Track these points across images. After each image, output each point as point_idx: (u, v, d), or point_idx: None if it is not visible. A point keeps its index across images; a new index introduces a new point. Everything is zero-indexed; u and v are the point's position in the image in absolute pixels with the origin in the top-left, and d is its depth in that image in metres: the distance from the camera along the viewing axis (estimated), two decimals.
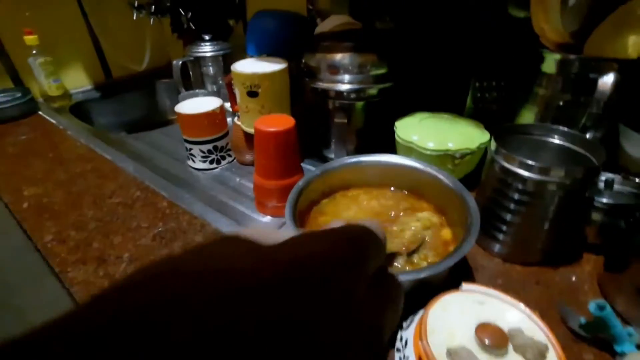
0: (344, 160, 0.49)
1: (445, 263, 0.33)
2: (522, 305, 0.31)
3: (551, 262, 0.45)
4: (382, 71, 0.59)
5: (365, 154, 0.50)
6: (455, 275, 0.42)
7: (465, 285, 0.32)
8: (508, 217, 0.44)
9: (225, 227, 0.53)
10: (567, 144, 0.45)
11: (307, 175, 0.46)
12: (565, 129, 0.45)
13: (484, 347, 0.27)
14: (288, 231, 0.25)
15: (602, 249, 0.44)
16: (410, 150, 0.57)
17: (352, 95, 0.60)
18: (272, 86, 0.57)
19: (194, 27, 0.77)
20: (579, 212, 0.43)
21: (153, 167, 0.69)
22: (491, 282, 0.43)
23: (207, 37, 0.79)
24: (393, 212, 0.46)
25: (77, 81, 1.14)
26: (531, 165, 0.39)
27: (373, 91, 0.61)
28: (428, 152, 0.55)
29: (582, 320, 0.34)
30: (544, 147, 0.45)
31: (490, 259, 0.46)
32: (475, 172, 0.58)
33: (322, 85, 0.60)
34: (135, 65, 1.21)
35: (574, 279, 0.43)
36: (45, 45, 0.99)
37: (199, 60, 0.77)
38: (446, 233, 0.43)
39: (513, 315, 0.30)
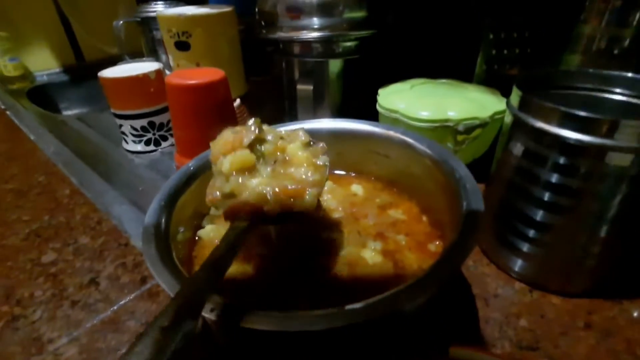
0: None
1: (417, 286, 0.16)
2: None
3: (610, 294, 0.27)
4: (360, 14, 0.43)
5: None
6: (446, 310, 0.26)
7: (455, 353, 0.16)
8: (539, 215, 0.27)
9: (130, 222, 0.38)
10: (634, 99, 0.28)
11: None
12: (630, 74, 0.28)
13: None
14: None
15: None
16: (396, 123, 0.41)
17: (320, 49, 0.45)
18: (208, 35, 0.42)
19: None
20: None
21: (79, 150, 0.55)
22: (511, 324, 0.26)
23: None
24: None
25: (42, 62, 1.03)
26: (588, 120, 0.22)
27: (349, 43, 0.45)
28: (419, 124, 0.38)
29: None
30: (598, 104, 0.28)
31: (509, 282, 0.29)
32: (489, 155, 0.41)
33: (282, 35, 0.45)
34: (109, 47, 1.09)
35: None
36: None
37: (149, 23, 0.64)
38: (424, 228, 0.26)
39: None
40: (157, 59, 0.67)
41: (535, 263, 0.28)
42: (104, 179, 0.47)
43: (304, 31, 0.43)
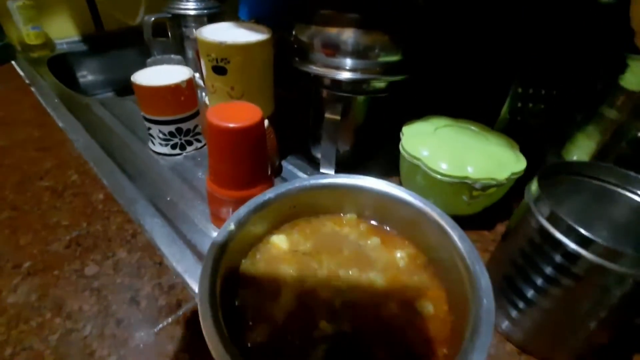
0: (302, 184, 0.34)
1: None
2: None
3: None
4: (394, 58, 0.44)
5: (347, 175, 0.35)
6: None
7: None
8: (532, 295, 0.30)
9: (162, 239, 0.41)
10: None
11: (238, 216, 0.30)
12: None
13: None
14: None
15: None
16: (415, 170, 0.44)
17: (350, 87, 0.46)
18: (246, 63, 0.43)
19: None
20: None
21: (106, 143, 0.58)
22: None
23: None
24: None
25: (63, 30, 1.02)
26: (590, 241, 0.25)
27: (380, 84, 0.46)
28: (438, 177, 0.41)
29: None
30: (612, 202, 0.30)
31: (501, 341, 0.33)
32: (496, 205, 0.44)
33: (314, 69, 0.46)
34: (129, 19, 1.08)
35: None
36: None
37: (179, 19, 0.63)
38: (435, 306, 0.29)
39: None
40: (183, 55, 0.67)
41: (521, 331, 0.32)
42: (132, 182, 0.50)
43: (337, 70, 0.44)
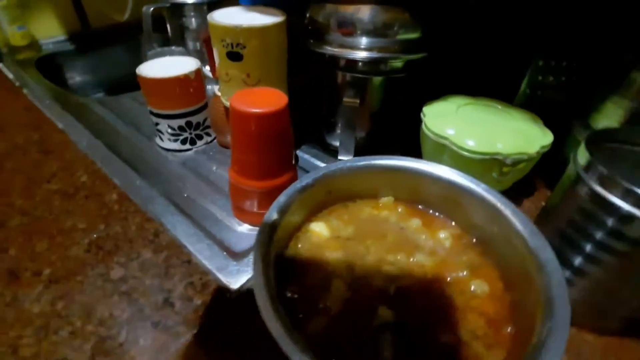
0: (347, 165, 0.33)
1: None
2: None
3: (635, 333, 0.31)
4: (414, 36, 0.43)
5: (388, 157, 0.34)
6: None
7: None
8: (582, 264, 0.30)
9: (187, 237, 0.39)
10: None
11: (286, 196, 0.29)
12: None
13: None
14: None
15: None
16: (442, 149, 0.42)
17: (370, 67, 0.44)
18: (263, 47, 0.41)
19: None
20: None
21: (112, 143, 0.55)
22: None
23: None
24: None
25: (48, 29, 0.97)
26: None
27: (398, 63, 0.45)
28: (467, 155, 0.40)
29: None
30: None
31: None
32: (522, 180, 0.44)
33: (330, 50, 0.44)
34: (117, 14, 1.03)
35: None
36: None
37: (179, 9, 0.61)
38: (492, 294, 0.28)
39: None
40: (184, 46, 0.65)
41: (570, 301, 0.32)
42: (145, 180, 0.48)
43: (354, 50, 0.43)
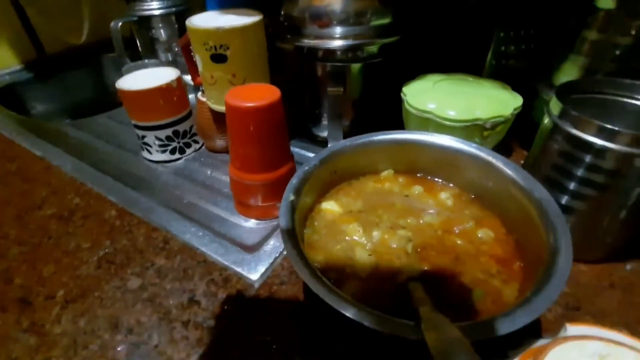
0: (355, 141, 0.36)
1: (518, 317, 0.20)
2: None
3: (618, 258, 0.35)
4: (385, 21, 0.46)
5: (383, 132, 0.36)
6: None
7: (571, 328, 0.22)
8: (569, 201, 0.33)
9: (198, 239, 0.40)
10: None
11: (301, 172, 0.32)
12: None
13: None
14: None
15: None
16: (426, 123, 0.45)
17: (347, 55, 0.47)
18: (246, 46, 0.42)
19: None
20: None
21: (97, 163, 0.54)
22: None
23: None
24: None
25: (2, 60, 0.93)
26: (617, 132, 0.28)
27: (373, 48, 0.47)
28: (450, 124, 0.43)
29: None
30: (621, 111, 0.34)
31: None
32: (501, 143, 0.48)
33: (307, 42, 0.46)
34: (73, 38, 1.00)
35: None
36: None
37: (146, 21, 0.60)
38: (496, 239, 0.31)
39: None
40: (156, 57, 0.64)
41: None
42: (140, 193, 0.48)
43: (331, 40, 0.45)
